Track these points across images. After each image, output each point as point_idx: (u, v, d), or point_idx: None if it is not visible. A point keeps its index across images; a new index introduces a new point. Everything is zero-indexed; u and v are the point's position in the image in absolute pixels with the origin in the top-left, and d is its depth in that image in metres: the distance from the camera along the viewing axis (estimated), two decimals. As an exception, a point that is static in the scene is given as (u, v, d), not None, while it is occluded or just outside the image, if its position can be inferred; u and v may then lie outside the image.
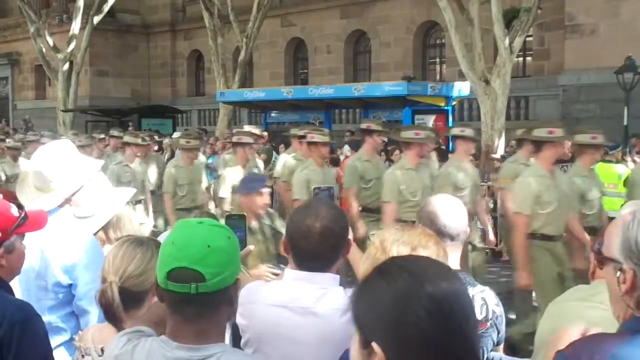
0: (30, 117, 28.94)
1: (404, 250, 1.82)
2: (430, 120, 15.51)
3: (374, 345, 1.23)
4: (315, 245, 2.23)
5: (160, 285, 1.74)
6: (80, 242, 2.91)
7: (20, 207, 2.45)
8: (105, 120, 26.17)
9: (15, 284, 2.81)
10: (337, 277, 2.31)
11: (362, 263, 1.94)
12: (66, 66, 24.37)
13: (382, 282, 1.25)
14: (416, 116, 15.40)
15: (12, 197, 2.82)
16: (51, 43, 24.47)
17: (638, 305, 1.52)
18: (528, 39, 18.05)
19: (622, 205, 6.69)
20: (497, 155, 13.10)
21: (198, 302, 1.70)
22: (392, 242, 1.88)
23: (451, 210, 2.72)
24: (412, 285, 1.22)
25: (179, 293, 1.70)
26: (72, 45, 23.99)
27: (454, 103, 16.57)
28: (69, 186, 3.02)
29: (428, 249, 1.82)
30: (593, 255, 2.62)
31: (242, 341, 2.38)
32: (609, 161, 10.65)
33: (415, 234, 1.91)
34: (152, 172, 10.07)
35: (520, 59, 21.01)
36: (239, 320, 2.38)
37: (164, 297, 1.77)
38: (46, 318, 2.81)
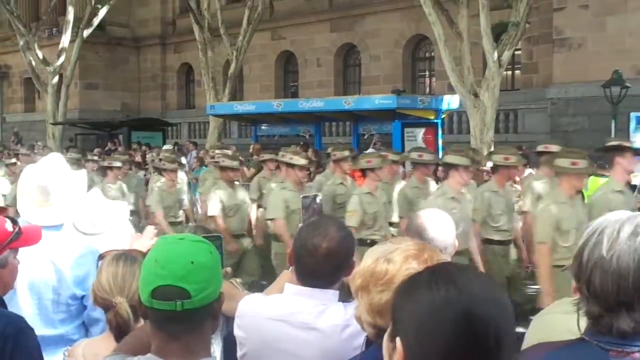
0: (19, 130, 28.85)
1: (368, 261, 1.87)
2: (420, 133, 15.59)
3: (398, 340, 1.26)
4: (319, 264, 2.25)
5: (144, 303, 1.73)
6: (90, 253, 2.96)
7: (14, 222, 2.45)
8: (95, 133, 26.11)
9: (27, 299, 2.86)
10: (337, 292, 2.33)
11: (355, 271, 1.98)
12: (56, 79, 24.33)
13: (427, 285, 1.26)
14: (406, 129, 15.46)
15: (5, 212, 2.84)
16: (41, 56, 24.43)
17: (586, 314, 1.57)
18: (516, 52, 18.19)
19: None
20: (487, 168, 13.13)
21: (184, 318, 1.70)
22: (371, 252, 1.91)
23: (439, 224, 2.75)
24: (451, 298, 1.23)
25: (164, 311, 1.69)
26: (62, 59, 23.95)
27: (443, 116, 16.64)
28: (66, 201, 3.07)
29: (392, 263, 1.84)
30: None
31: (239, 354, 2.38)
32: (601, 175, 10.72)
33: (411, 248, 1.90)
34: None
35: (509, 72, 21.16)
36: (237, 332, 2.38)
37: (148, 315, 1.76)
38: (58, 331, 2.88)
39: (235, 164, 8.43)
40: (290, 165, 7.80)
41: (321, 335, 2.22)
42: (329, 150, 9.90)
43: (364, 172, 7.37)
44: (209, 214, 8.14)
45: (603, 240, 1.53)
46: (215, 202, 8.06)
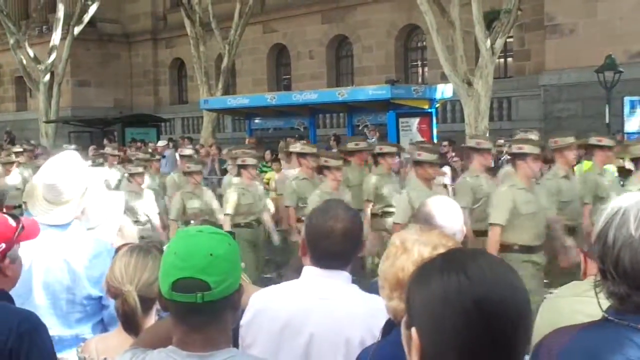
0: (11, 129, 28.73)
1: (425, 251, 1.86)
2: (415, 123, 15.60)
3: (413, 330, 1.26)
4: (337, 245, 2.31)
5: (164, 296, 1.75)
6: (105, 252, 2.95)
7: (14, 217, 2.47)
8: (89, 130, 26.04)
9: (42, 299, 2.85)
10: (350, 276, 2.39)
11: (381, 262, 1.98)
12: (47, 77, 24.21)
13: (439, 274, 1.26)
14: (400, 119, 15.47)
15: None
16: (31, 54, 24.31)
17: (609, 295, 1.58)
18: (509, 40, 18.20)
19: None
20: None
21: (204, 310, 1.72)
22: (413, 242, 1.92)
23: (447, 211, 2.78)
24: (462, 286, 1.23)
25: (185, 303, 1.71)
26: (53, 56, 23.83)
27: (437, 105, 16.66)
28: (81, 198, 3.05)
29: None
30: (582, 254, 2.70)
31: (246, 342, 2.39)
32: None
33: (434, 235, 1.95)
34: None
35: (501, 60, 21.18)
36: (246, 323, 2.40)
37: (168, 308, 1.78)
38: (74, 330, 2.86)
39: (435, 157, 6.82)
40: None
41: (337, 315, 2.27)
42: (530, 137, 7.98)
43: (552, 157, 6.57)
44: (395, 220, 6.62)
45: (629, 220, 1.53)
46: (404, 206, 6.38)
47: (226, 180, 10.30)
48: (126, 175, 9.35)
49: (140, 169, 8.96)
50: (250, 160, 8.42)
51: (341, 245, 2.32)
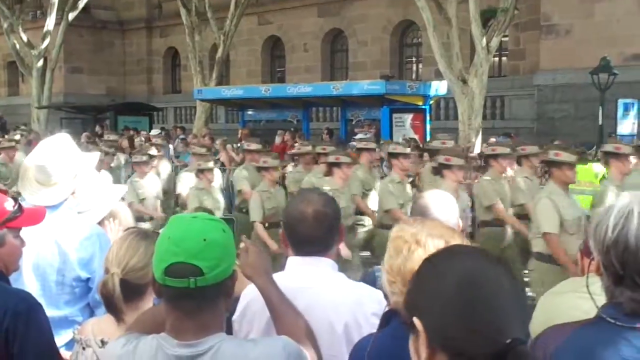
0: (3, 114, 28.57)
1: (440, 244, 1.85)
2: (408, 119, 15.62)
3: (415, 320, 1.25)
4: (311, 228, 2.31)
5: (158, 281, 1.74)
6: (95, 235, 2.95)
7: (15, 201, 2.44)
8: (81, 117, 25.94)
9: (32, 280, 2.86)
10: (335, 263, 2.39)
11: (388, 257, 1.96)
12: (40, 62, 24.07)
13: (430, 264, 1.29)
14: (394, 115, 15.49)
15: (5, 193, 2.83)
16: (25, 39, 24.16)
17: (609, 294, 1.57)
18: (504, 39, 18.23)
19: (592, 203, 6.84)
20: (475, 154, 13.19)
21: (197, 296, 1.71)
22: (425, 236, 1.90)
23: (442, 204, 2.79)
24: (449, 263, 1.26)
25: (177, 288, 1.70)
26: (47, 42, 23.69)
27: (431, 102, 16.68)
28: (70, 180, 3.04)
29: (456, 241, 1.86)
30: (579, 252, 2.70)
31: (242, 336, 2.38)
32: (586, 160, 10.86)
33: (439, 227, 1.95)
34: None
35: (496, 58, 21.20)
36: (239, 314, 2.39)
37: (162, 293, 1.77)
38: (62, 312, 2.88)
39: (574, 158, 5.93)
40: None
41: (325, 301, 2.28)
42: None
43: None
44: (546, 230, 5.54)
45: None
46: (551, 214, 5.56)
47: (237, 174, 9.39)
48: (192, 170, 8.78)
49: (210, 164, 8.25)
50: (345, 159, 7.47)
51: (315, 229, 2.31)
